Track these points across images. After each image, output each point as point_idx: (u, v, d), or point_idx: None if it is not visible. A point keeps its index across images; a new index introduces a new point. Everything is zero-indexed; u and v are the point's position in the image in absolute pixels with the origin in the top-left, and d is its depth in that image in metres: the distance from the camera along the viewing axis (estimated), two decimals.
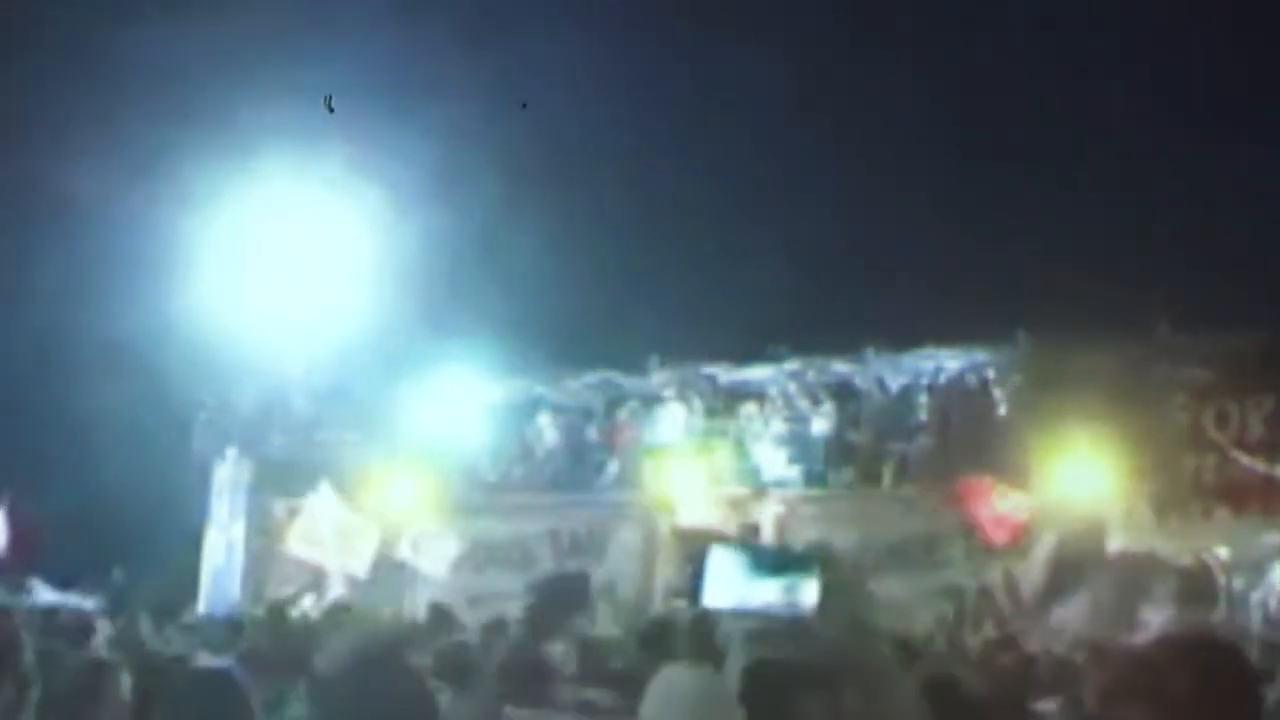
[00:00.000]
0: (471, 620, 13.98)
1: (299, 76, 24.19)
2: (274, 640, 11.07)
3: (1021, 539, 18.44)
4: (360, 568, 20.19)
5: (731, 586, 5.44)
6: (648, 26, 25.93)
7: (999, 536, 18.24)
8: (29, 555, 21.13)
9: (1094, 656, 10.39)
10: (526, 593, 15.66)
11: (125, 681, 6.21)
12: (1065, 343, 19.96)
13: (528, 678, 9.11)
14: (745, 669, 5.34)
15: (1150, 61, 24.14)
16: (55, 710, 6.01)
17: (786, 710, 4.89)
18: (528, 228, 24.85)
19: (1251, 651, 9.51)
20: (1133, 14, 24.43)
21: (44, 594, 21.22)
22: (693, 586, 5.87)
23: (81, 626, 12.72)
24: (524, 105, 25.83)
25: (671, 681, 6.30)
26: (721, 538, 19.62)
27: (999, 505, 18.11)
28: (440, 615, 13.92)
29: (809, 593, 5.59)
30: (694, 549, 20.60)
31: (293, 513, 21.34)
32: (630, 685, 7.56)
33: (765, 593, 5.49)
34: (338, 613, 15.38)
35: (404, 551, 20.89)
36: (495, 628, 12.39)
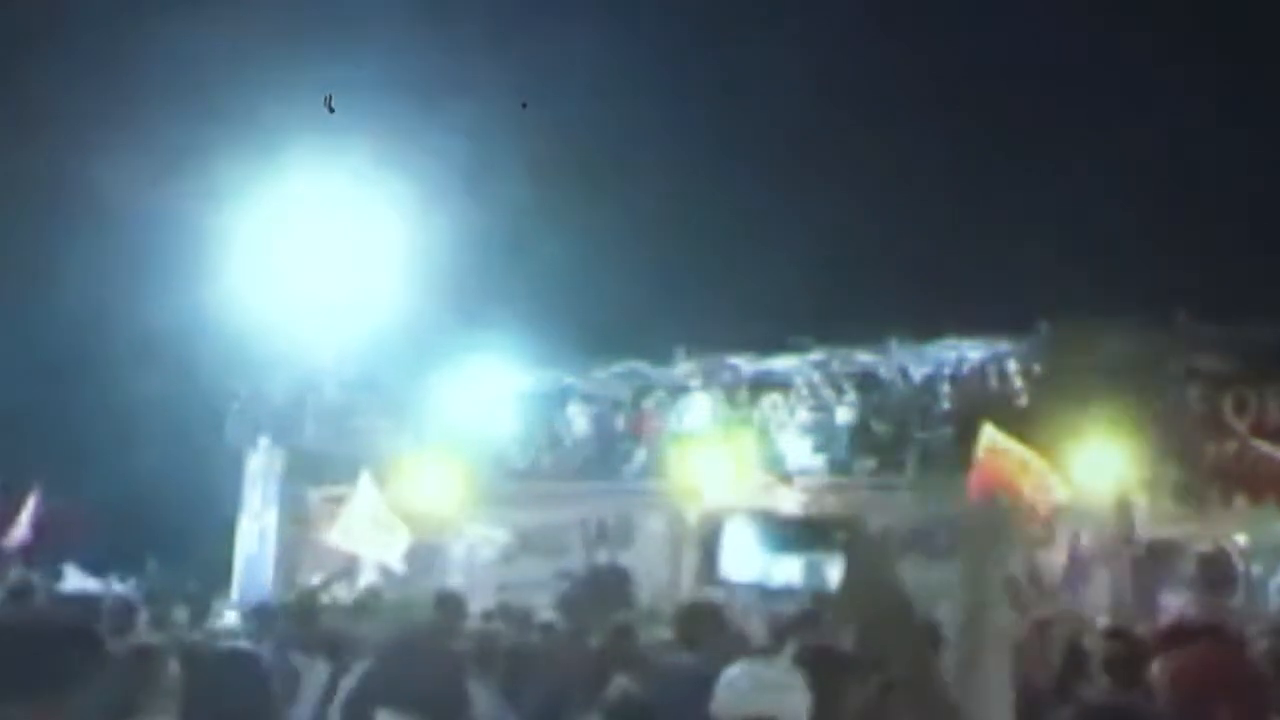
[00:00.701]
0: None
1: (329, 70, 24.43)
2: (305, 625, 11.18)
3: (1050, 523, 18.47)
4: (396, 560, 20.35)
5: (751, 561, 5.39)
6: (675, 22, 26.03)
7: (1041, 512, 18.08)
8: (59, 544, 21.38)
9: (1119, 643, 10.52)
10: (558, 581, 15.82)
11: (173, 667, 6.27)
12: (1085, 332, 20.12)
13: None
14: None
15: (1170, 50, 24.18)
16: (104, 695, 6.11)
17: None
18: (557, 221, 25.08)
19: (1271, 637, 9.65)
20: (1152, 4, 24.53)
21: (75, 580, 21.50)
22: (707, 560, 5.81)
23: (124, 612, 12.86)
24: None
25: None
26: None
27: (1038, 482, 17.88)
28: (451, 602, 14.05)
29: (832, 571, 5.65)
30: (718, 537, 21.01)
31: (330, 503, 21.47)
32: (655, 670, 7.66)
33: (786, 570, 5.48)
34: (370, 599, 15.54)
35: (453, 542, 21.08)
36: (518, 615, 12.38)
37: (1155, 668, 5.18)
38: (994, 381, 20.96)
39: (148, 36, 24.35)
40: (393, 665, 5.90)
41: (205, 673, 6.09)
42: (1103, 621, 15.28)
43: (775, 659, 6.43)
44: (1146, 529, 18.54)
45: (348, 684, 6.31)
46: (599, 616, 9.29)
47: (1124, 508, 18.38)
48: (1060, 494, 17.71)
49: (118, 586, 19.59)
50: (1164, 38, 24.28)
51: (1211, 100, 23.93)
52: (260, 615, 12.76)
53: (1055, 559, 18.39)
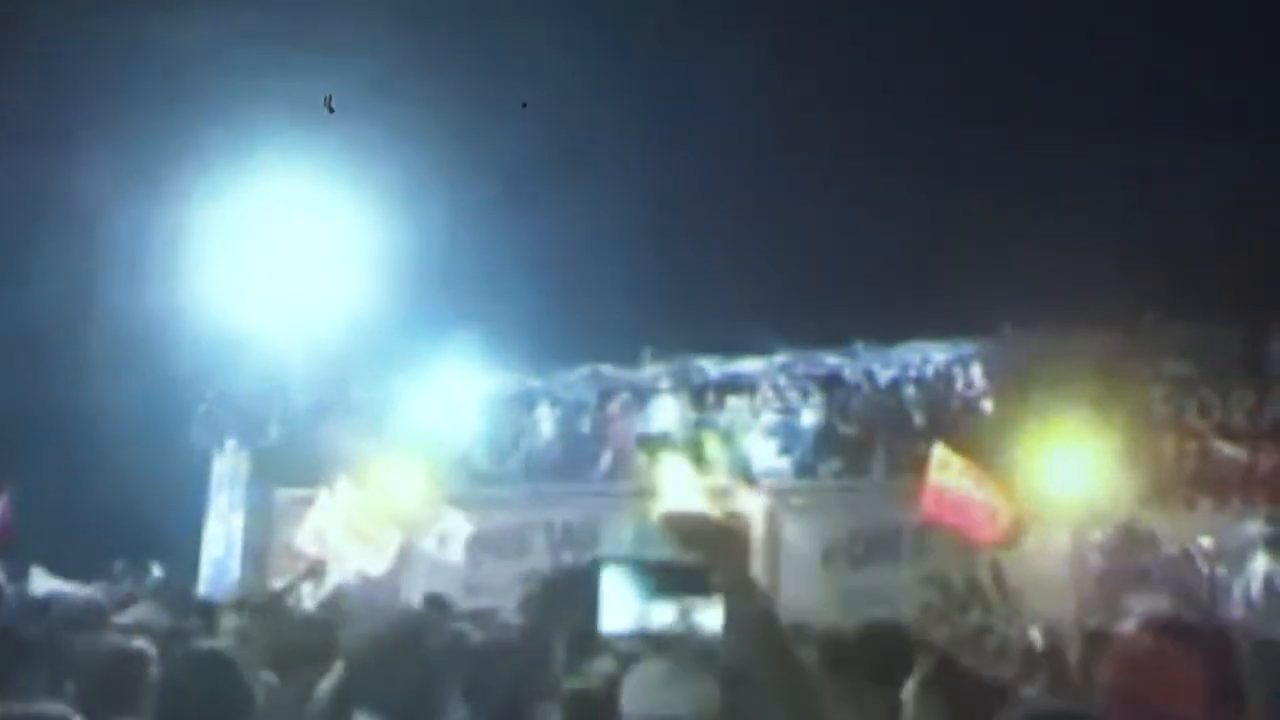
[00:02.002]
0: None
1: (294, 73, 24.37)
2: (272, 626, 11.15)
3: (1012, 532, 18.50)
4: (377, 564, 20.28)
5: (628, 608, 5.44)
6: (639, 23, 26.04)
7: (985, 535, 18.17)
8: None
9: (1086, 642, 10.57)
10: (524, 583, 15.83)
11: (155, 669, 6.34)
12: (1049, 335, 20.24)
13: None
14: None
15: (1133, 57, 24.31)
16: (91, 699, 6.08)
17: None
18: (522, 223, 25.11)
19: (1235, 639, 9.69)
20: (1113, 13, 24.62)
21: (42, 581, 21.44)
22: (586, 610, 5.82)
23: (96, 615, 12.80)
24: (524, 105, 26.00)
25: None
26: (710, 525, 19.92)
27: (981, 500, 17.95)
28: (436, 604, 14.06)
29: (710, 614, 5.62)
30: (683, 536, 20.99)
31: (297, 504, 21.45)
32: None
33: (663, 615, 5.51)
34: (337, 601, 15.52)
35: (427, 543, 21.05)
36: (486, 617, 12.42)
37: (1110, 669, 5.18)
38: (958, 384, 21.09)
39: (117, 39, 24.33)
40: (368, 668, 5.90)
41: (180, 676, 6.07)
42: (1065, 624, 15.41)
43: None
44: (1110, 531, 18.62)
45: (325, 686, 6.31)
46: (562, 616, 9.27)
47: (1089, 511, 18.48)
48: (1018, 504, 17.83)
49: (90, 591, 19.54)
50: (1128, 42, 24.42)
51: (1177, 103, 24.06)
52: (204, 612, 12.60)
53: (1021, 563, 18.47)
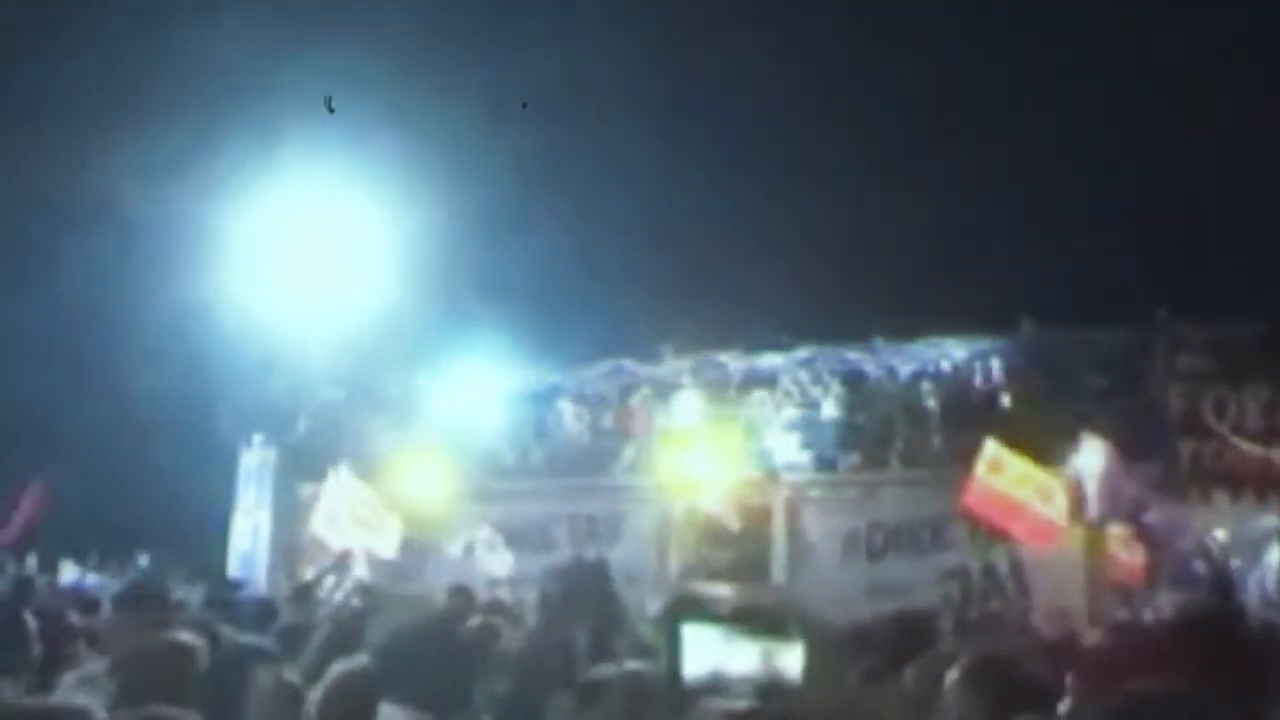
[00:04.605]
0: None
1: (323, 72, 24.59)
2: (303, 619, 11.27)
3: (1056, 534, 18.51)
4: (386, 548, 20.51)
5: (707, 654, 5.51)
6: (660, 21, 26.17)
7: (1029, 538, 18.21)
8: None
9: (1103, 633, 10.72)
10: (545, 577, 16.00)
11: (204, 662, 6.31)
12: (1068, 331, 20.41)
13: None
14: None
15: (1151, 50, 24.34)
16: (138, 692, 6.05)
17: None
18: (545, 220, 25.26)
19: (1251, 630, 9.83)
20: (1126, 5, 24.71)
21: (71, 573, 21.75)
22: (670, 659, 5.91)
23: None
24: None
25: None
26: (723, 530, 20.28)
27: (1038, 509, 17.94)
28: (463, 596, 14.22)
29: (791, 659, 5.71)
30: (707, 532, 21.23)
31: (315, 496, 21.68)
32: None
33: (744, 660, 5.58)
34: (360, 593, 15.68)
35: (452, 549, 21.26)
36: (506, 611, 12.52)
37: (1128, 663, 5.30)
38: (977, 380, 21.22)
39: (145, 39, 24.54)
40: (396, 658, 6.02)
41: (223, 671, 6.19)
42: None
43: None
44: (1125, 525, 18.79)
45: (347, 675, 6.41)
46: (580, 609, 9.42)
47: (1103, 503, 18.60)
48: (1061, 504, 17.93)
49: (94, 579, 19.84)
50: (1140, 38, 24.47)
51: (1193, 101, 24.11)
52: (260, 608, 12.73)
53: (1039, 555, 18.59)
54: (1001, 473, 17.68)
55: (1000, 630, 15.30)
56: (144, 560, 22.79)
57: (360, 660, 6.25)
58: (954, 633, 11.12)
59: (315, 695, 6.13)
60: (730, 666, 6.36)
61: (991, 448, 17.80)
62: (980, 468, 17.74)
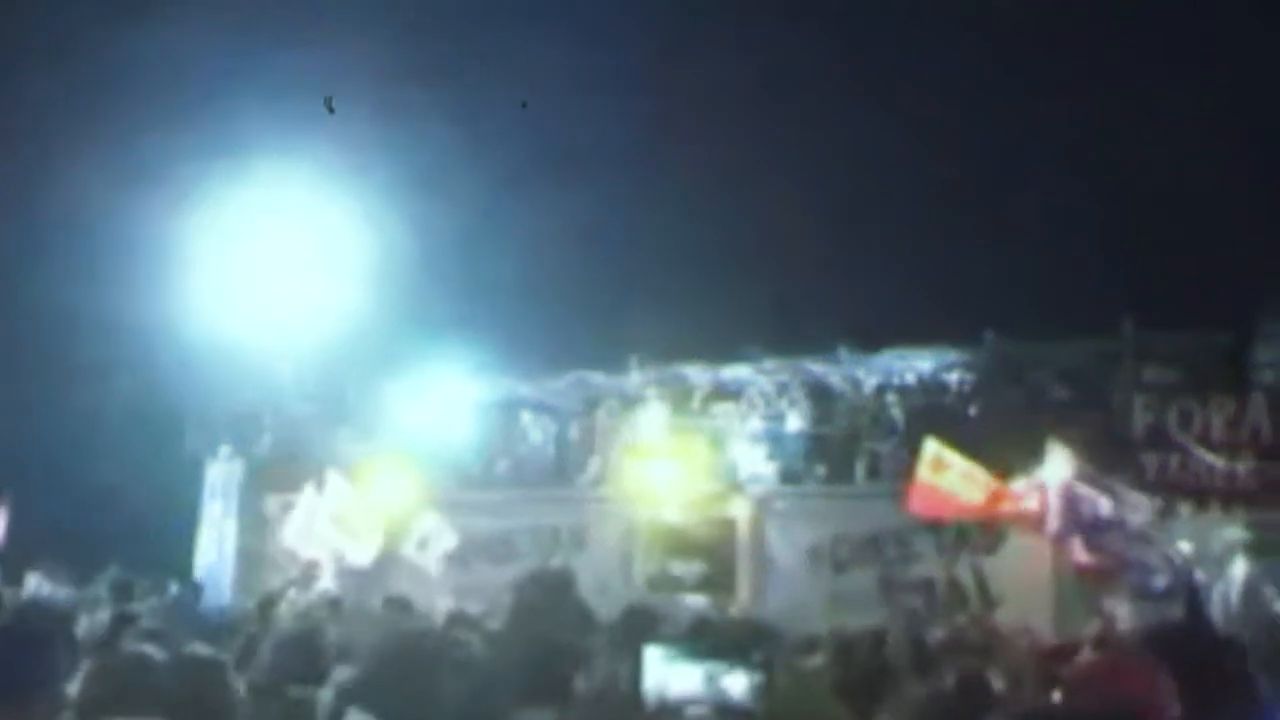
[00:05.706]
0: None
1: (282, 78, 24.51)
2: (264, 631, 11.23)
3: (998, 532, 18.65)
4: (363, 556, 20.43)
5: (660, 674, 5.53)
6: (621, 28, 26.15)
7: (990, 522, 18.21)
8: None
9: (1061, 647, 10.71)
10: (510, 589, 15.94)
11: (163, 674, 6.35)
12: (1032, 343, 20.46)
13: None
14: None
15: (1115, 59, 24.41)
16: (99, 703, 6.04)
17: None
18: (511, 230, 25.25)
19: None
20: (1102, 19, 24.74)
21: (41, 587, 21.57)
22: (630, 677, 5.96)
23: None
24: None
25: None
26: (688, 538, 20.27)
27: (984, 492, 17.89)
28: (398, 606, 14.19)
29: (736, 683, 5.68)
30: (672, 544, 21.26)
31: (285, 507, 21.61)
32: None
33: (687, 680, 5.56)
34: (326, 606, 15.63)
35: (407, 548, 21.14)
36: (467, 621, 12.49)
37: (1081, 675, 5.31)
38: (941, 392, 21.27)
39: (110, 45, 24.42)
40: (381, 673, 5.99)
41: (169, 681, 6.23)
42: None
43: None
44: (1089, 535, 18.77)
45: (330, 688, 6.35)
46: (545, 620, 9.42)
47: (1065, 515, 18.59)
48: (1008, 503, 17.93)
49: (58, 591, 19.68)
50: (1108, 46, 24.55)
51: (1160, 110, 24.16)
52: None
53: (1002, 566, 18.61)
54: (944, 472, 17.68)
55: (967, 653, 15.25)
56: (111, 572, 22.67)
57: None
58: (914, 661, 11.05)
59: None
60: (686, 687, 6.34)
61: (933, 447, 17.76)
62: (922, 469, 17.74)
